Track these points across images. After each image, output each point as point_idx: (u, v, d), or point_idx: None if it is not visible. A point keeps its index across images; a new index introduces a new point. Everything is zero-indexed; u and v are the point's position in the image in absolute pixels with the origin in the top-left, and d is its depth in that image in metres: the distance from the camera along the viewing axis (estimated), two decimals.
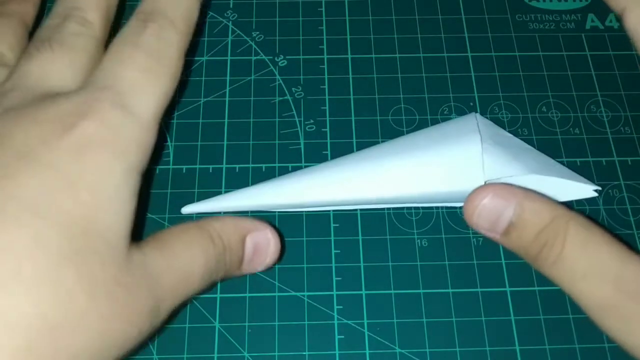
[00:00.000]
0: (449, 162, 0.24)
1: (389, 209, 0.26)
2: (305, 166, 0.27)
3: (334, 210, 0.26)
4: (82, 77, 0.21)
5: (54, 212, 0.17)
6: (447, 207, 0.26)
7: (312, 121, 0.28)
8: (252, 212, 0.25)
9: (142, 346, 0.22)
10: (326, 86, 0.29)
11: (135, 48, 0.20)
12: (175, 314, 0.23)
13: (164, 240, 0.20)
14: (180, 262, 0.19)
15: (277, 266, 0.25)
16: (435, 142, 0.25)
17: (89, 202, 0.17)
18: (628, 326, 0.18)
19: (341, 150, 0.27)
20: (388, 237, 0.25)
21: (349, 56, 0.30)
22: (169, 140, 0.27)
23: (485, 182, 0.23)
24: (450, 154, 0.24)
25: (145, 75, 0.20)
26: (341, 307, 0.24)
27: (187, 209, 0.25)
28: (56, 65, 0.20)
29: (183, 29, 0.22)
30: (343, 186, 0.24)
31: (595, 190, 0.25)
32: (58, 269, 0.16)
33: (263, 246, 0.22)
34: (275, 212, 0.26)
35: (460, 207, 0.26)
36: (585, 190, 0.25)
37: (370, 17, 0.31)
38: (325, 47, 0.30)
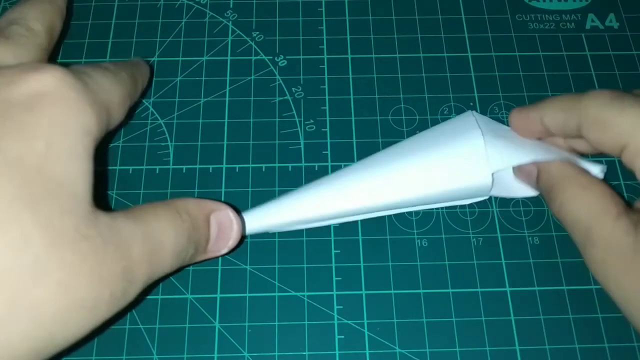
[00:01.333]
0: (454, 160, 0.24)
1: None
2: (305, 166, 0.27)
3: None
4: None
5: (6, 157, 0.16)
6: (447, 207, 0.26)
7: (312, 121, 0.28)
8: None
9: (118, 317, 0.22)
10: (326, 86, 0.29)
11: (91, 68, 0.21)
12: (149, 289, 0.23)
13: (135, 212, 0.19)
14: (152, 231, 0.19)
15: (277, 266, 0.25)
16: (438, 142, 0.25)
17: (45, 152, 0.16)
18: (620, 277, 0.20)
19: (341, 150, 0.27)
20: (388, 237, 0.25)
21: (349, 56, 0.30)
22: (169, 140, 0.27)
23: (491, 174, 0.23)
24: (454, 152, 0.24)
25: (103, 73, 0.21)
26: (341, 307, 0.24)
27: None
28: (0, 52, 0.21)
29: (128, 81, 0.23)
30: (349, 197, 0.24)
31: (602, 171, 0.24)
32: (11, 212, 0.15)
33: (226, 226, 0.22)
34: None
35: (461, 207, 0.26)
36: (591, 170, 0.24)
37: (370, 17, 0.31)
38: (325, 47, 0.30)
